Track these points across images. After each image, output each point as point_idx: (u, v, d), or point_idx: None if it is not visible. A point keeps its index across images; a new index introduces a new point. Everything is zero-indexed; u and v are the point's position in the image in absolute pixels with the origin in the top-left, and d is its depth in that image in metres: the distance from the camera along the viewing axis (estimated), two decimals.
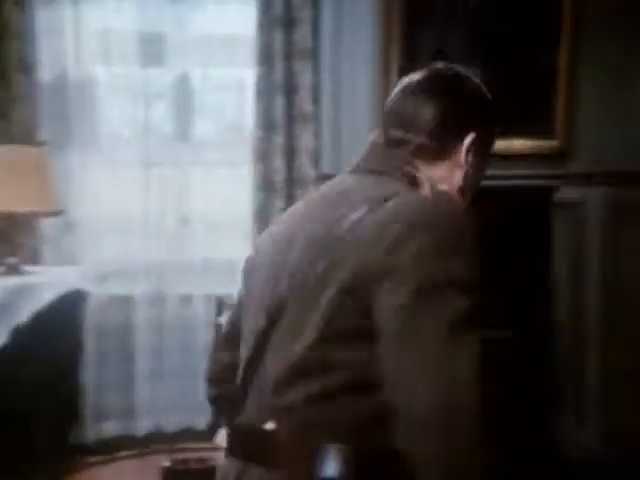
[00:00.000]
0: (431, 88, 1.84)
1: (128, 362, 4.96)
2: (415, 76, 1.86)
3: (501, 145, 4.73)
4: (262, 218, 4.80)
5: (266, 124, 4.78)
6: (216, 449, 3.73)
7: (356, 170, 1.82)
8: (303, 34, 4.72)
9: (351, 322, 1.56)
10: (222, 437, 4.02)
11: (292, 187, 4.84)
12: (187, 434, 4.95)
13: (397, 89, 1.88)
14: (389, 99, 1.90)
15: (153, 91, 4.90)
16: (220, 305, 4.81)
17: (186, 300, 4.97)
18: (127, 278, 4.97)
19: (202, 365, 4.88)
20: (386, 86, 4.83)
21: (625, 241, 4.59)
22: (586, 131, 4.85)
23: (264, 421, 1.65)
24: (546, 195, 4.50)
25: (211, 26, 4.86)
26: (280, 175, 4.78)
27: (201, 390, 4.85)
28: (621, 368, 4.62)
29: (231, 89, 4.99)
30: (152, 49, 4.83)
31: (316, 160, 4.85)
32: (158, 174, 4.93)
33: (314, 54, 4.77)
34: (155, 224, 4.97)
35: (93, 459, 3.66)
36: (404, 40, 4.81)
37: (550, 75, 4.81)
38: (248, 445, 1.71)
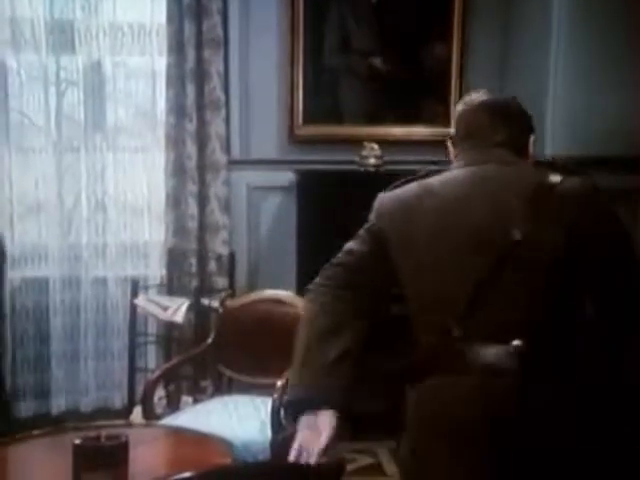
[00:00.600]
0: (510, 108, 2.33)
1: (44, 343, 4.97)
2: (482, 97, 2.34)
3: (400, 132, 4.97)
4: (175, 202, 4.86)
5: (178, 111, 4.83)
6: (130, 426, 3.81)
7: (485, 162, 2.24)
8: (213, 24, 4.77)
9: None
10: (136, 414, 4.10)
11: (204, 172, 4.90)
12: (102, 413, 4.98)
13: (471, 107, 2.33)
14: (467, 113, 2.35)
15: (65, 78, 4.87)
16: (135, 286, 4.86)
17: (101, 282, 4.99)
18: (42, 261, 4.97)
19: (117, 346, 4.97)
20: (291, 75, 4.95)
21: None
22: None
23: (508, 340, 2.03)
24: None
25: (122, 14, 4.86)
26: (192, 161, 4.83)
27: (116, 370, 4.94)
28: None
29: (143, 76, 4.98)
30: (63, 37, 4.80)
31: (227, 146, 4.93)
32: (72, 160, 4.92)
33: (224, 44, 4.83)
34: (70, 208, 4.96)
35: (7, 438, 3.67)
36: (309, 33, 4.92)
37: (444, 67, 5.02)
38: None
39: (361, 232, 2.33)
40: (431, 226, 2.17)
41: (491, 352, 2.05)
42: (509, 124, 2.30)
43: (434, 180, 2.28)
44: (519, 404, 2.01)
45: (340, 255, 2.32)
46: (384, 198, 2.32)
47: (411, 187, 2.28)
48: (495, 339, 2.05)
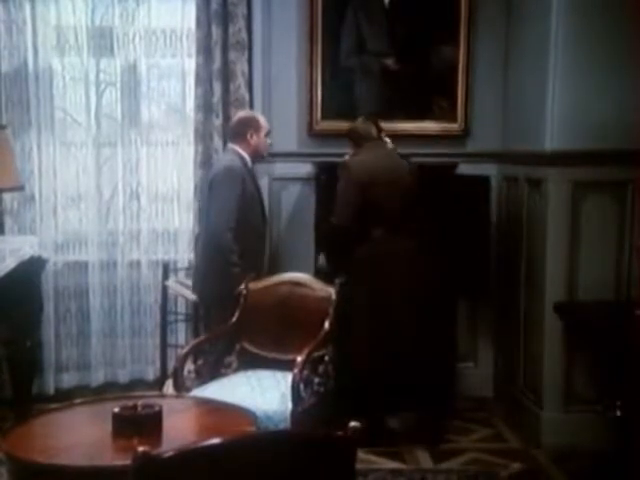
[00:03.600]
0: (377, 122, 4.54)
1: (84, 321, 5.08)
2: (364, 120, 4.52)
3: (411, 127, 5.00)
4: (203, 192, 4.90)
5: (205, 108, 4.89)
6: (163, 397, 3.86)
7: (377, 147, 4.42)
8: (238, 28, 4.82)
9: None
10: (168, 386, 4.16)
11: None
12: (137, 385, 5.08)
13: (362, 124, 4.50)
14: (361, 127, 4.49)
15: (104, 79, 4.97)
16: (166, 269, 4.93)
17: (135, 265, 5.08)
18: (82, 246, 5.07)
19: (150, 323, 5.03)
20: (310, 75, 4.99)
21: (514, 202, 4.87)
22: (479, 118, 5.13)
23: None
24: (450, 169, 4.77)
25: (156, 21, 4.94)
26: (219, 154, 4.84)
27: (149, 345, 5.01)
28: None
29: (174, 77, 5.06)
30: (103, 42, 4.90)
31: None
32: (110, 153, 5.01)
33: (248, 46, 4.88)
34: (107, 198, 5.06)
35: (52, 406, 3.75)
36: (326, 36, 4.95)
37: (451, 67, 5.03)
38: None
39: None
40: (369, 176, 4.22)
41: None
42: (380, 129, 4.47)
43: (362, 156, 4.34)
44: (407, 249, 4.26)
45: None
46: (351, 162, 4.34)
47: (358, 159, 4.34)
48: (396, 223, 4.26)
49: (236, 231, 4.10)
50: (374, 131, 4.46)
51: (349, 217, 4.24)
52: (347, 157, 4.43)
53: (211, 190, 4.25)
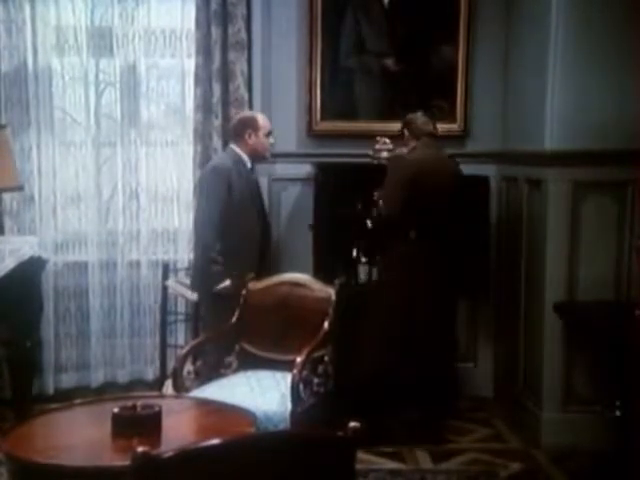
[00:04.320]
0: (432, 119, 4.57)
1: (83, 321, 5.09)
2: (424, 115, 4.50)
3: None
4: None
5: (205, 108, 4.89)
6: (162, 397, 3.86)
7: (430, 145, 4.43)
8: (238, 29, 4.82)
9: None
10: (168, 387, 4.16)
11: None
12: (137, 385, 5.08)
13: (422, 118, 4.48)
14: (420, 121, 4.46)
15: (103, 79, 4.98)
16: (166, 269, 4.93)
17: (135, 266, 5.08)
18: (81, 246, 5.07)
19: (149, 323, 5.03)
20: (310, 75, 4.98)
21: (513, 202, 4.88)
22: (479, 118, 5.14)
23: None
24: None
25: (155, 21, 4.95)
26: (218, 153, 4.84)
27: (149, 346, 5.02)
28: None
29: (173, 77, 5.06)
30: (102, 42, 4.90)
31: None
32: (109, 153, 5.02)
33: (248, 46, 4.88)
34: (107, 198, 5.06)
35: (52, 406, 3.75)
36: (326, 36, 4.95)
37: (451, 67, 5.04)
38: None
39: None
40: (420, 176, 4.24)
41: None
42: (435, 128, 4.48)
43: (418, 154, 4.36)
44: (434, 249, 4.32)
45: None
46: (408, 157, 4.38)
47: (413, 158, 4.35)
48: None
49: (219, 229, 4.15)
50: (431, 127, 4.47)
51: (398, 207, 4.26)
52: (403, 150, 4.48)
53: (198, 189, 4.35)
